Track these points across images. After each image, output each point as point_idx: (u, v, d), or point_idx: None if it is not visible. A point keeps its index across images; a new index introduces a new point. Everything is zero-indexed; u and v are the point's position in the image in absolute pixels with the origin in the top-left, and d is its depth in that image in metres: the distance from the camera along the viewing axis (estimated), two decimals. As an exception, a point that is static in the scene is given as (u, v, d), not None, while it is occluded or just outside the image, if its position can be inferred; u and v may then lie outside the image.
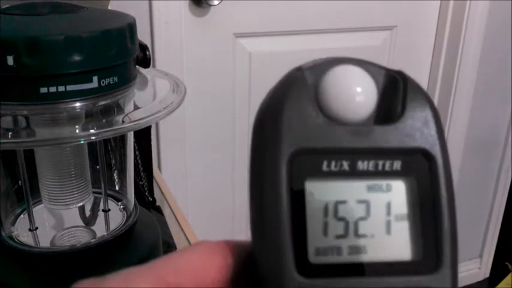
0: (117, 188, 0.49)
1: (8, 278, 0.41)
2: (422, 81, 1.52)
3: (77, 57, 0.34)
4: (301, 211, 0.17)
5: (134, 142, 0.62)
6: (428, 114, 0.18)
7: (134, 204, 0.47)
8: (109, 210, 0.45)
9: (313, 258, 0.17)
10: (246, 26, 1.23)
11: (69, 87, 0.34)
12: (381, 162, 0.18)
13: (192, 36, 1.18)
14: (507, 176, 1.69)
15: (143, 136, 0.64)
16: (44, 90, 0.34)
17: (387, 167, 0.18)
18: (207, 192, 1.36)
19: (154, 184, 0.70)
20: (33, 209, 0.43)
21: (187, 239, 0.64)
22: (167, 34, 1.12)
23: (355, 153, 0.17)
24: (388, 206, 0.18)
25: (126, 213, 0.46)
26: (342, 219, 0.17)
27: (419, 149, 0.18)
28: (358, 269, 0.17)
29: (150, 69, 0.43)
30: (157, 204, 0.69)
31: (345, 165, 0.17)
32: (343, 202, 0.17)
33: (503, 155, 1.66)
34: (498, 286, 1.66)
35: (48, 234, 0.44)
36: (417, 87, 0.18)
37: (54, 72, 0.34)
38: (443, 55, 1.46)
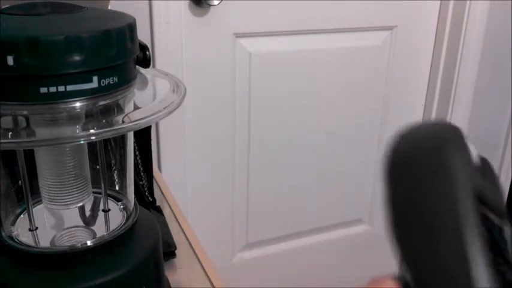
0: (117, 188, 0.49)
1: (8, 278, 0.41)
2: (422, 81, 1.52)
3: (77, 57, 0.34)
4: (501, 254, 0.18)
5: (134, 142, 0.62)
6: None
7: (134, 204, 0.47)
8: (109, 210, 0.45)
9: None
10: (246, 26, 1.23)
11: (69, 87, 0.34)
12: None
13: (192, 36, 1.18)
14: (507, 176, 1.69)
15: (143, 136, 0.64)
16: (44, 90, 0.34)
17: None
18: (207, 192, 1.36)
19: (154, 184, 0.71)
20: (33, 209, 0.43)
21: (187, 239, 0.64)
22: (167, 34, 1.12)
23: None
24: None
25: (126, 213, 0.46)
26: None
27: None
28: None
29: (150, 69, 0.43)
30: (157, 204, 0.69)
31: None
32: None
33: (503, 155, 1.66)
34: (498, 286, 1.66)
35: (48, 234, 0.44)
36: None
37: (54, 72, 0.34)
38: (443, 55, 1.46)
